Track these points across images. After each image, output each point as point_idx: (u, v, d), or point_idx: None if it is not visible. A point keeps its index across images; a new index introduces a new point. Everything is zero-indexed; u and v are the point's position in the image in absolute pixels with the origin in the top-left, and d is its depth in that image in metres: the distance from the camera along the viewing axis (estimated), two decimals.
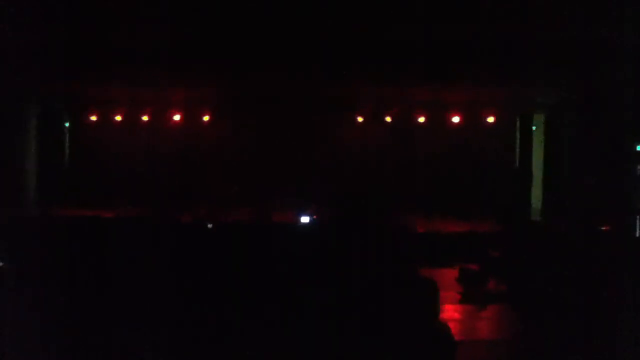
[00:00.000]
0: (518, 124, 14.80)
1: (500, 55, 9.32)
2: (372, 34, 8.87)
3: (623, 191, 11.85)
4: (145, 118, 14.93)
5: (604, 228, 10.70)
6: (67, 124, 15.82)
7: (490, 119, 14.34)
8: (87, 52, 9.65)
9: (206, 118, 14.81)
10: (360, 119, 14.70)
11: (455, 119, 14.37)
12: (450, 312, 6.89)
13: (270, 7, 7.88)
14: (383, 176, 14.54)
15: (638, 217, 11.15)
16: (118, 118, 14.99)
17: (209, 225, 11.20)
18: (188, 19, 8.39)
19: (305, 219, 12.14)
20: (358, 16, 8.20)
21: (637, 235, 10.94)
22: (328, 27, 8.56)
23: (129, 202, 13.51)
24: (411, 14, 7.89)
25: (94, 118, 15.14)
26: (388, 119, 14.61)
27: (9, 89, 12.24)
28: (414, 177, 14.41)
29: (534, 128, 14.59)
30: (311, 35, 8.87)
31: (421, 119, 14.46)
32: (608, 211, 11.55)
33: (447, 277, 7.86)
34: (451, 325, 4.86)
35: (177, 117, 14.86)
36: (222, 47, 9.58)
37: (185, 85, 13.22)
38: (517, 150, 14.80)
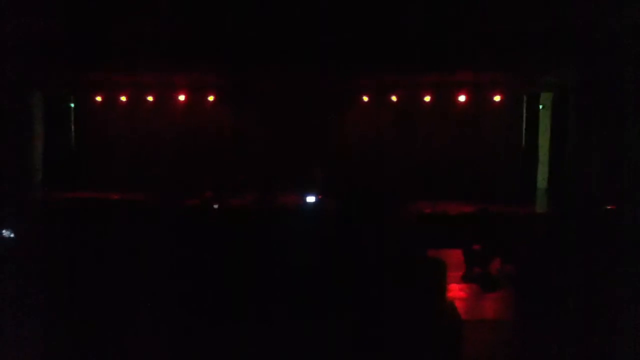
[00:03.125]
0: (524, 103, 14.67)
1: (502, 37, 9.22)
2: (372, 19, 8.78)
3: (629, 172, 11.78)
4: (150, 98, 14.92)
5: (609, 207, 10.65)
6: (72, 105, 15.82)
7: (497, 98, 14.22)
8: (88, 43, 9.59)
9: (211, 98, 14.77)
10: (364, 102, 14.62)
11: (461, 99, 14.27)
12: (455, 291, 6.92)
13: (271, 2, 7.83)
14: (387, 158, 14.49)
15: None
16: (123, 98, 14.99)
17: (215, 206, 11.20)
18: (191, 11, 8.33)
19: (310, 199, 12.16)
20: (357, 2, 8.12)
21: None
22: (329, 19, 8.49)
23: (135, 184, 13.54)
24: None
25: (99, 98, 15.13)
26: (393, 98, 14.52)
27: (11, 76, 12.20)
28: (419, 158, 14.35)
29: (540, 107, 14.47)
30: (313, 25, 8.80)
31: (425, 99, 14.36)
32: (613, 192, 11.50)
33: (453, 257, 7.86)
34: (456, 304, 4.88)
35: (181, 98, 14.83)
36: (226, 41, 9.55)
37: (188, 75, 13.21)
38: (524, 130, 14.70)
